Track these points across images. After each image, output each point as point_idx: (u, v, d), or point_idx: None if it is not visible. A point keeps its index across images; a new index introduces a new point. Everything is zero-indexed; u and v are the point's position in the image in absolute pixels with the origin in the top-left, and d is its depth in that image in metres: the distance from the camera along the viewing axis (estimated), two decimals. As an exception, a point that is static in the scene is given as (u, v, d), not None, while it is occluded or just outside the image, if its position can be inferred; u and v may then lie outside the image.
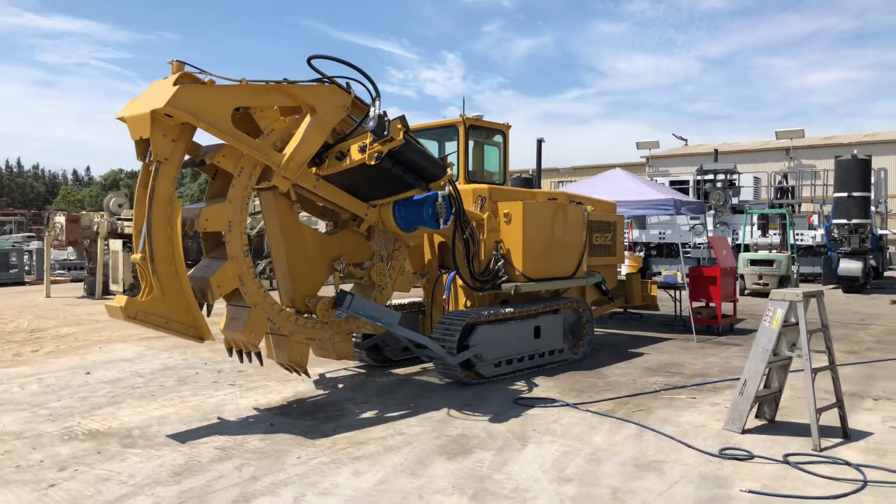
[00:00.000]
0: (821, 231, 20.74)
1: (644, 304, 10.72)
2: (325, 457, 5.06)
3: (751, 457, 5.00)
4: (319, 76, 6.14)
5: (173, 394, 7.04)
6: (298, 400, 6.80)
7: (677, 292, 11.61)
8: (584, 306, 9.02)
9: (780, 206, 22.33)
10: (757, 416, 6.01)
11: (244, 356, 6.39)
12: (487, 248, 7.98)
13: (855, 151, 18.26)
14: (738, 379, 7.51)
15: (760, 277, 17.01)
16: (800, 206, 23.92)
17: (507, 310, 7.70)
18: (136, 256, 5.47)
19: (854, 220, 17.83)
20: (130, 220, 16.87)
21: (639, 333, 10.99)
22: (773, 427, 5.78)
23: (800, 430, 5.65)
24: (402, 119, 5.93)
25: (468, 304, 8.12)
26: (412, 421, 6.00)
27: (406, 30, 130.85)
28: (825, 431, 5.51)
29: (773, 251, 17.56)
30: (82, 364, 8.59)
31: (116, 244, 16.24)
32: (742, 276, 17.05)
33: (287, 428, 5.81)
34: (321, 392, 7.11)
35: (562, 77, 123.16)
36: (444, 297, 8.23)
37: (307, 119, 6.12)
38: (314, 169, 6.36)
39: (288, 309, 6.40)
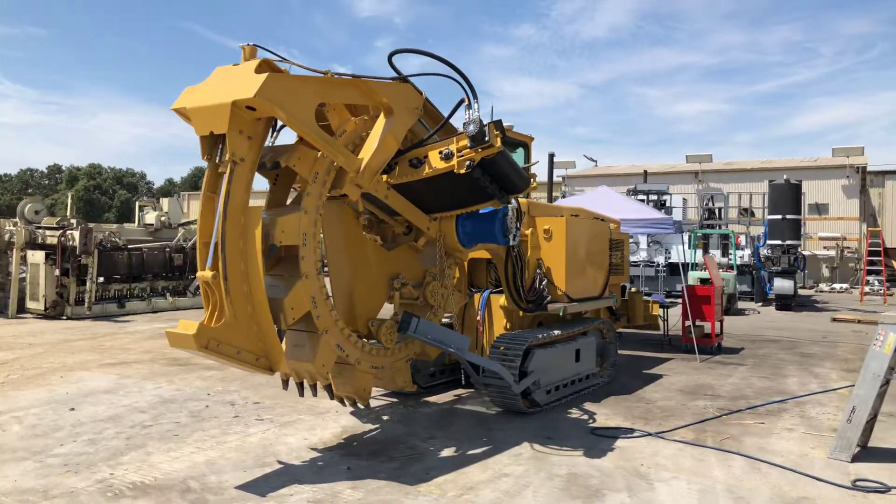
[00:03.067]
0: (748, 251, 21.80)
1: (646, 324, 10.61)
2: (449, 508, 4.40)
3: (888, 489, 4.81)
4: (397, 74, 5.50)
5: (199, 433, 6.05)
6: (352, 436, 6.02)
7: (665, 311, 11.62)
8: (610, 327, 8.74)
9: (710, 226, 23.34)
10: (847, 442, 5.87)
11: (305, 388, 5.56)
12: (531, 266, 7.51)
13: (785, 177, 19.34)
14: (782, 401, 7.51)
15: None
16: (727, 226, 25.13)
17: (555, 332, 7.26)
18: (207, 274, 4.58)
19: (787, 241, 18.85)
20: (55, 228, 15.03)
21: (636, 353, 10.86)
22: (871, 454, 5.66)
23: (900, 455, 5.57)
24: (500, 124, 5.39)
25: (507, 326, 7.60)
26: (504, 459, 5.41)
27: (297, 41, 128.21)
28: (926, 457, 5.47)
29: (721, 270, 18.21)
30: (55, 398, 7.29)
31: (37, 256, 14.37)
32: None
33: (370, 472, 5.06)
34: (371, 426, 6.35)
35: (453, 97, 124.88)
36: (479, 318, 7.68)
37: (382, 120, 5.44)
38: (385, 177, 5.68)
39: (354, 335, 5.63)
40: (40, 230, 15.03)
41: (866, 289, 23.76)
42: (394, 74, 5.53)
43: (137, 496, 4.54)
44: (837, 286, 29.09)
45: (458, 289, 7.51)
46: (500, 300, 7.50)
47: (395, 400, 7.34)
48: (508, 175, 5.71)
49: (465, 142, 5.40)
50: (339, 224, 5.68)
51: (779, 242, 18.89)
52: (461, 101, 5.47)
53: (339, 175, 5.33)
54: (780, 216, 18.92)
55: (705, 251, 20.14)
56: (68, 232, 14.53)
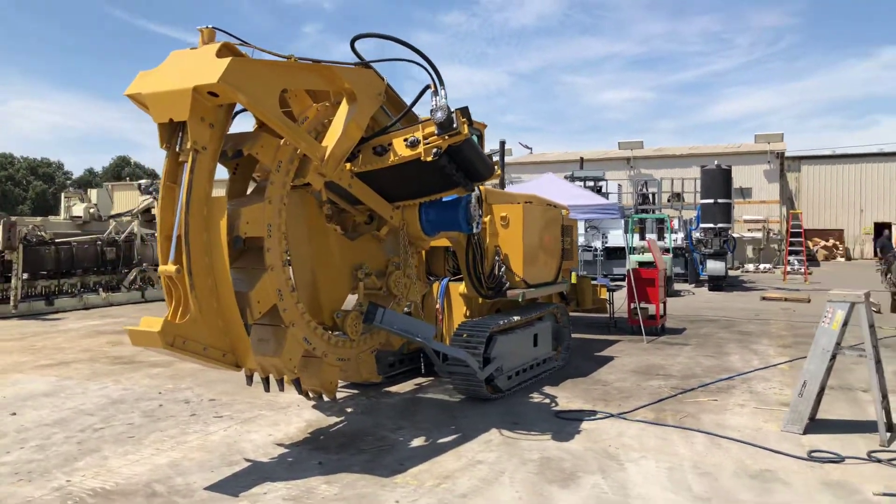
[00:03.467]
0: (681, 234, 22.58)
1: (595, 308, 10.83)
2: (429, 498, 4.38)
3: (842, 459, 5.06)
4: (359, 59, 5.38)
5: (157, 433, 5.81)
6: (318, 430, 5.91)
7: (610, 294, 11.89)
8: (563, 311, 8.88)
9: (644, 211, 24.02)
10: (796, 415, 6.15)
11: (271, 384, 5.41)
12: (489, 253, 7.53)
13: (716, 162, 20.09)
14: (730, 378, 7.81)
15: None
16: (660, 211, 25.92)
17: (515, 318, 7.32)
18: (170, 268, 4.36)
19: (719, 225, 19.61)
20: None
21: (585, 336, 11.08)
22: (820, 426, 5.92)
23: (845, 427, 5.88)
24: (466, 111, 5.34)
25: (467, 313, 7.61)
26: (475, 446, 5.43)
27: (220, 24, 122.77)
28: (867, 426, 5.80)
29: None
30: (-8, 402, 6.87)
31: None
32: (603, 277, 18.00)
33: (342, 466, 4.98)
34: (335, 419, 6.25)
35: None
36: (438, 306, 7.66)
37: (345, 107, 5.32)
38: (348, 165, 5.55)
39: (319, 327, 5.51)
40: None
41: (788, 268, 25.01)
42: (356, 60, 5.39)
43: (101, 503, 4.32)
44: (762, 266, 30.51)
45: (419, 277, 7.46)
46: (460, 288, 7.50)
47: (356, 391, 7.24)
48: (474, 163, 5.68)
49: (432, 129, 5.34)
50: (302, 214, 5.52)
51: (711, 226, 19.62)
52: (426, 88, 5.39)
53: (302, 163, 5.17)
54: (712, 200, 19.64)
55: (642, 236, 20.73)
56: (-11, 226, 13.66)
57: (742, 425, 5.96)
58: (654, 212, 24.24)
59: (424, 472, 4.86)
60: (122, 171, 74.39)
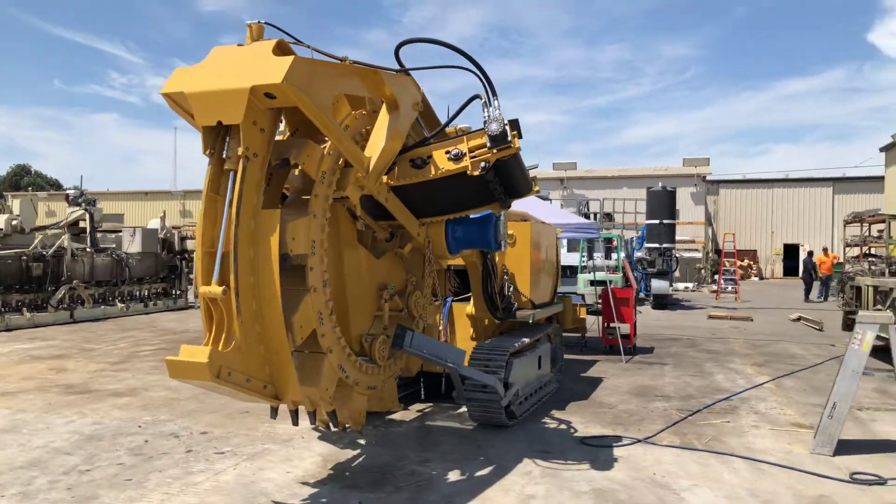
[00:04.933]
0: (623, 254, 23.05)
1: (574, 328, 10.73)
2: (502, 540, 4.03)
3: (884, 481, 5.07)
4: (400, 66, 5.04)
5: (156, 475, 5.17)
6: (338, 465, 5.43)
7: (599, 317, 11.82)
8: (558, 331, 8.72)
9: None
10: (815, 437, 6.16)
11: (298, 417, 4.90)
12: (498, 273, 7.25)
13: (661, 184, 20.69)
14: (728, 398, 7.84)
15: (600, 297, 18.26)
16: (601, 229, 26.45)
17: (526, 340, 7.07)
18: (216, 290, 3.85)
19: (664, 245, 20.15)
20: None
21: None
22: (844, 446, 5.93)
23: (865, 447, 5.92)
24: (517, 123, 5.08)
25: (472, 335, 7.29)
26: (516, 478, 5.11)
27: (133, 32, 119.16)
28: (885, 446, 5.89)
29: (611, 272, 19.05)
30: (-58, 442, 5.97)
31: None
32: (583, 297, 18.14)
33: (386, 506, 4.56)
34: (350, 451, 5.78)
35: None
36: (441, 328, 7.31)
37: (386, 116, 4.96)
38: (385, 178, 5.18)
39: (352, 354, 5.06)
40: None
41: (721, 288, 26.01)
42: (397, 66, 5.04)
43: (129, 562, 3.73)
44: (689, 286, 31.67)
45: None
46: (466, 308, 7.19)
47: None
48: (517, 178, 5.41)
49: (478, 141, 5.06)
50: (335, 230, 5.08)
51: (656, 245, 20.12)
52: (474, 97, 5.10)
53: (343, 175, 4.77)
54: (657, 221, 20.17)
55: (590, 255, 21.00)
56: None
57: (771, 448, 5.91)
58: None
59: (479, 510, 4.51)
60: (22, 180, 69.64)
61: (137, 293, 18.12)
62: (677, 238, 35.06)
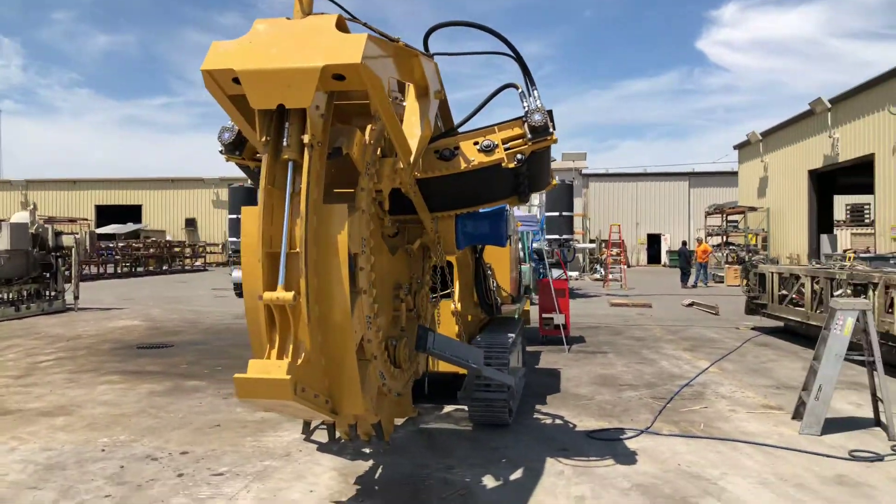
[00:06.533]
0: (519, 245, 23.58)
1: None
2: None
3: (881, 457, 5.45)
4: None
5: (160, 506, 4.52)
6: (360, 478, 5.03)
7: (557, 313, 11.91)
8: (521, 325, 8.66)
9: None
10: (794, 418, 6.54)
11: (334, 431, 4.46)
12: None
13: (562, 178, 21.32)
14: (688, 384, 8.17)
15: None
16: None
17: (512, 335, 6.94)
18: (284, 295, 3.38)
19: (564, 236, 20.81)
20: None
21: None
22: (826, 425, 6.30)
23: (843, 425, 6.34)
24: (552, 114, 4.89)
25: (458, 332, 7.05)
26: (555, 480, 4.98)
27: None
28: (859, 423, 6.38)
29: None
30: None
31: None
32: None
33: (443, 521, 4.26)
34: (363, 462, 5.37)
35: (147, 82, 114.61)
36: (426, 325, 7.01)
37: (415, 103, 4.61)
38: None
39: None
40: None
41: (597, 276, 27.39)
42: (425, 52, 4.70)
43: None
44: (573, 274, 33.03)
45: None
46: (451, 305, 6.94)
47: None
48: (544, 171, 5.25)
49: (510, 132, 4.83)
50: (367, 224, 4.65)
51: (556, 237, 20.73)
52: (506, 86, 4.87)
53: (381, 166, 4.38)
54: (557, 213, 20.78)
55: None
56: None
57: (763, 431, 6.19)
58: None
59: (540, 517, 4.33)
60: None
61: (7, 295, 16.05)
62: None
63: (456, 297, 6.88)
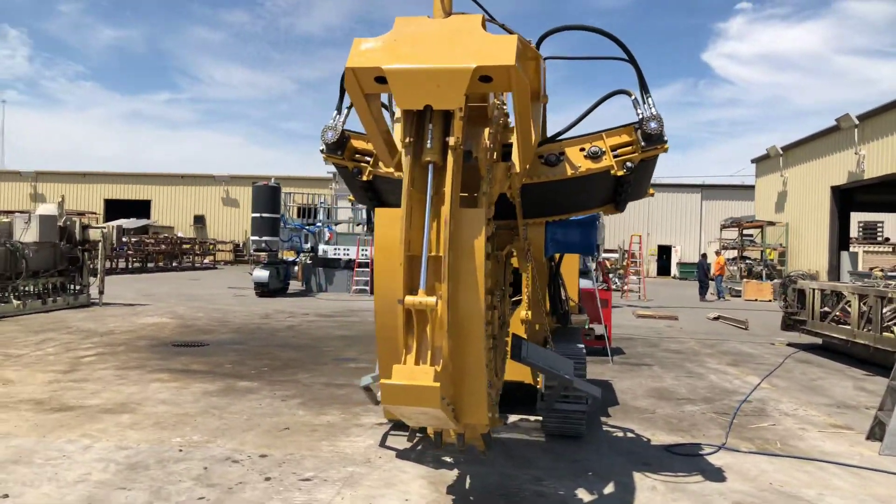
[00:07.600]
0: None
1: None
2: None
3: (973, 480, 5.38)
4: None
5: (258, 511, 4.43)
6: (451, 488, 4.94)
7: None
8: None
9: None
10: (868, 438, 6.46)
11: (440, 437, 4.37)
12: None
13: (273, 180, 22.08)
14: (746, 400, 8.07)
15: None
16: (337, 224, 27.24)
17: (580, 346, 6.85)
18: (427, 300, 3.31)
19: (265, 238, 21.35)
20: None
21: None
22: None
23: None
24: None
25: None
26: (650, 496, 4.91)
27: None
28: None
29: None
30: (-62, 480, 4.78)
31: None
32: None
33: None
34: (447, 471, 5.28)
35: (152, 77, 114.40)
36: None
37: (529, 106, 4.53)
38: (515, 176, 4.74)
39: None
40: None
41: (627, 287, 27.26)
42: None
43: None
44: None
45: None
46: (521, 313, 6.86)
47: (403, 434, 6.15)
48: (646, 180, 5.17)
49: (618, 139, 4.75)
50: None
51: (258, 238, 21.65)
52: (617, 92, 4.80)
53: (494, 171, 4.31)
54: (258, 214, 21.76)
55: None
56: None
57: (842, 451, 6.11)
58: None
59: (650, 534, 4.24)
60: None
61: (33, 288, 15.96)
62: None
63: (525, 304, 6.79)
